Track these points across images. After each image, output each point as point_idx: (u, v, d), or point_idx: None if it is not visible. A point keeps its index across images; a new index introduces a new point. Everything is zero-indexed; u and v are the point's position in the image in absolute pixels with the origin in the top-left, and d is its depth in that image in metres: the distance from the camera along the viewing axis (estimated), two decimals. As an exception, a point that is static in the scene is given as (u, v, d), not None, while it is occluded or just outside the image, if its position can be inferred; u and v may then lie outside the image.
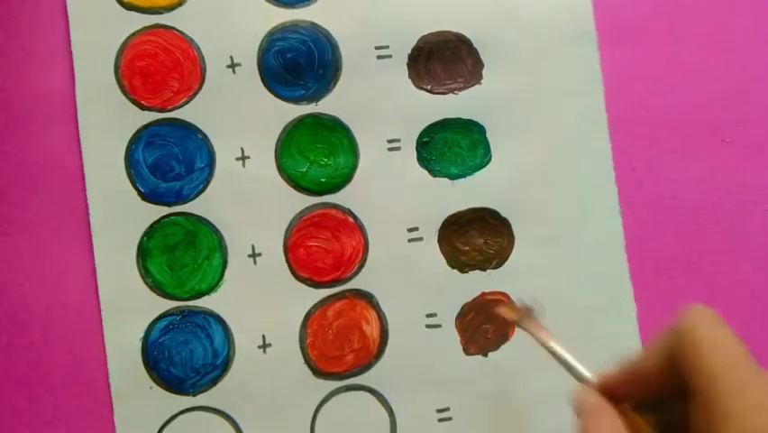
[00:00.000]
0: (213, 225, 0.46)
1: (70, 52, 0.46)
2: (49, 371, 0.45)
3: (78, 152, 0.46)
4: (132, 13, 0.46)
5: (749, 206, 0.50)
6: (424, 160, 0.48)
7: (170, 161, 0.46)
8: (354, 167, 0.47)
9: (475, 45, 0.49)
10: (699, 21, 0.51)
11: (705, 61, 0.51)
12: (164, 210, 0.46)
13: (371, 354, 0.46)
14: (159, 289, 0.45)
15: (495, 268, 0.48)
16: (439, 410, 0.46)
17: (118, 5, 0.46)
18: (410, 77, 0.48)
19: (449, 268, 0.48)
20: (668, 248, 0.49)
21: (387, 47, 0.48)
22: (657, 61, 0.50)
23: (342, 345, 0.46)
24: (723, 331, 0.31)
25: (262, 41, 0.47)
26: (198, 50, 0.47)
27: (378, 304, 0.47)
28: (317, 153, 0.47)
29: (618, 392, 0.34)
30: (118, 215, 0.45)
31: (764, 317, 0.49)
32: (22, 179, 0.46)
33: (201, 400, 0.45)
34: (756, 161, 0.50)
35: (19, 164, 0.46)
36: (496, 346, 0.47)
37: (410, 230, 0.47)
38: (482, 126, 0.48)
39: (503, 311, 0.45)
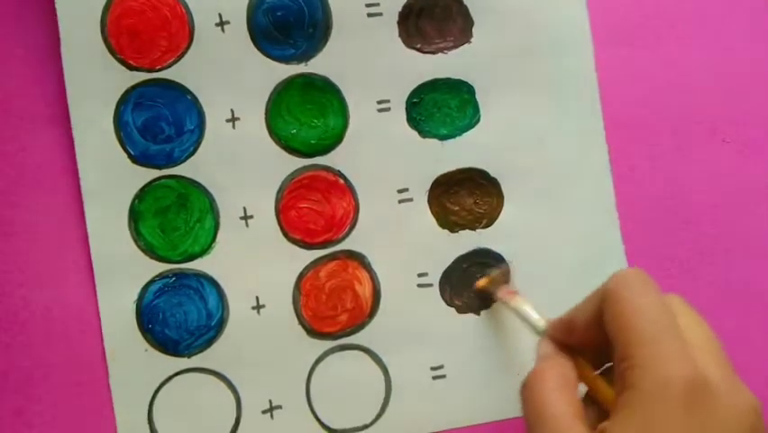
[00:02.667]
0: (204, 188, 0.46)
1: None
2: (49, 371, 0.45)
3: (79, 152, 0.45)
4: (117, -31, 0.45)
5: (749, 206, 0.51)
6: (413, 120, 0.48)
7: (160, 123, 0.45)
8: (344, 128, 0.47)
9: (465, 2, 0.48)
10: (699, 20, 0.51)
11: (705, 61, 0.51)
12: (155, 173, 0.45)
13: (364, 314, 0.47)
14: (151, 252, 0.45)
15: (485, 227, 0.48)
16: (433, 368, 0.47)
17: (101, -39, 0.45)
18: (400, 35, 0.48)
19: (439, 228, 0.48)
20: (667, 248, 0.50)
21: (377, 4, 0.47)
22: (657, 60, 0.50)
23: (336, 306, 0.47)
24: (644, 290, 0.32)
25: (251, -2, 0.46)
26: (186, 7, 0.45)
27: (369, 264, 0.47)
28: (308, 115, 0.47)
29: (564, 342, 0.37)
30: (109, 178, 0.45)
31: (764, 317, 0.50)
32: (22, 179, 0.45)
33: (196, 361, 0.45)
34: (756, 161, 0.51)
35: (19, 164, 0.45)
36: (487, 304, 0.48)
37: (400, 191, 0.48)
38: (471, 86, 0.48)
39: (481, 284, 0.47)
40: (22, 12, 0.45)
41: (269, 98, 0.46)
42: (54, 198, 0.45)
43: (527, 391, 0.34)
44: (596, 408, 0.35)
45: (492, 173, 0.48)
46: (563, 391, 0.33)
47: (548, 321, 0.39)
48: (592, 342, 0.35)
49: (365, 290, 0.47)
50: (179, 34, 0.45)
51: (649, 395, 0.29)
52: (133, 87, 0.45)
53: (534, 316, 0.41)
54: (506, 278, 0.47)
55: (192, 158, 0.46)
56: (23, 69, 0.45)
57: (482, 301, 0.48)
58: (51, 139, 0.45)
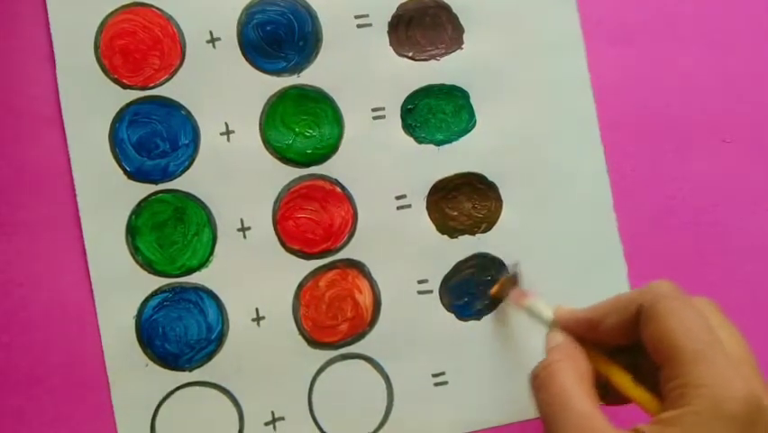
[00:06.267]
0: (201, 201, 0.46)
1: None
2: (49, 371, 0.45)
3: (77, 152, 0.46)
4: (110, -8, 0.46)
5: (749, 206, 0.50)
6: (409, 127, 0.48)
7: (155, 139, 0.46)
8: (340, 137, 0.47)
9: (455, 11, 0.49)
10: (699, 20, 0.51)
11: (705, 61, 0.51)
12: (151, 188, 0.46)
13: (365, 323, 0.47)
14: (149, 266, 0.45)
15: (484, 232, 0.48)
16: (434, 375, 0.47)
17: (95, -15, 0.46)
18: (391, 44, 0.48)
19: (438, 234, 0.48)
20: (668, 248, 0.49)
21: (366, 15, 0.48)
22: (657, 61, 0.50)
23: (336, 315, 0.47)
24: (683, 306, 0.32)
25: (241, 14, 0.47)
26: (177, 26, 0.46)
27: (369, 273, 0.47)
28: (302, 125, 0.47)
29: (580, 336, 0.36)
30: (105, 195, 0.45)
31: (765, 318, 0.49)
32: (22, 179, 0.45)
33: (197, 375, 0.45)
34: (756, 161, 0.50)
35: (19, 164, 0.45)
36: (489, 309, 0.47)
37: (398, 198, 0.48)
38: (466, 91, 0.48)
39: (494, 291, 0.47)
40: (23, 12, 0.46)
41: (263, 110, 0.47)
42: (54, 198, 0.45)
43: (543, 382, 0.33)
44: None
45: (490, 177, 0.48)
46: (582, 383, 0.32)
47: (557, 309, 0.38)
48: (614, 342, 0.34)
49: (365, 298, 0.47)
50: (171, 52, 0.46)
51: (706, 416, 0.28)
52: (128, 105, 0.46)
53: (544, 307, 0.40)
54: (515, 280, 0.46)
55: (188, 172, 0.46)
56: (23, 70, 0.46)
57: (492, 306, 0.48)
58: (51, 139, 0.46)
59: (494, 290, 0.47)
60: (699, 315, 0.31)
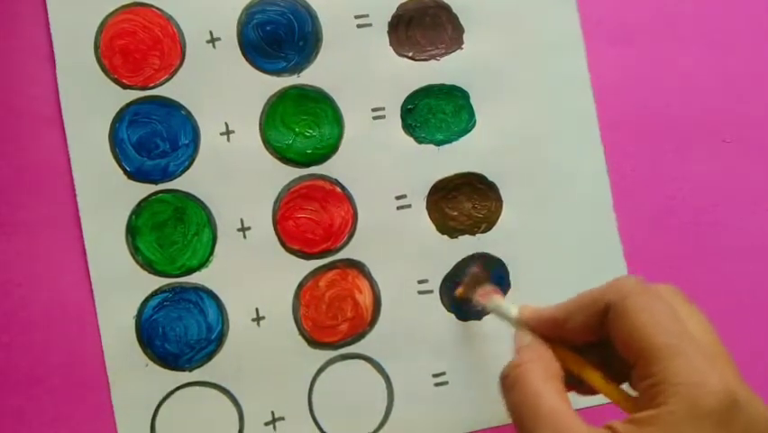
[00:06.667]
0: (201, 201, 0.46)
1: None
2: (49, 371, 0.45)
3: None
4: (110, -8, 0.46)
5: (749, 206, 0.50)
6: (409, 127, 0.48)
7: (155, 139, 0.46)
8: (340, 137, 0.47)
9: (455, 11, 0.49)
10: (699, 20, 0.51)
11: (705, 61, 0.51)
12: (151, 188, 0.46)
13: (365, 323, 0.47)
14: (149, 266, 0.45)
15: (484, 232, 0.48)
16: (435, 375, 0.47)
17: (95, -15, 0.46)
18: (391, 44, 0.48)
19: (438, 234, 0.48)
20: (668, 248, 0.49)
21: (366, 15, 0.48)
22: (657, 61, 0.50)
23: (336, 315, 0.47)
24: (651, 300, 0.31)
25: (241, 14, 0.47)
26: (177, 26, 0.46)
27: (369, 273, 0.47)
28: (302, 125, 0.47)
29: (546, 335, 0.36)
30: (105, 195, 0.45)
31: (765, 318, 0.49)
32: (21, 179, 0.45)
33: (197, 375, 0.45)
34: (756, 161, 0.50)
35: (19, 164, 0.45)
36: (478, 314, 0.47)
37: (398, 198, 0.48)
38: (466, 91, 0.48)
39: (459, 293, 0.46)
40: (23, 12, 0.46)
41: (263, 110, 0.47)
42: (54, 198, 0.45)
43: (514, 383, 0.33)
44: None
45: (490, 177, 0.48)
46: (552, 382, 0.32)
47: (522, 308, 0.38)
48: (581, 341, 0.34)
49: (365, 298, 0.47)
50: (171, 52, 0.46)
51: (682, 415, 0.28)
52: (128, 105, 0.46)
53: (508, 306, 0.39)
54: (479, 280, 0.46)
55: (188, 172, 0.46)
56: (23, 70, 0.46)
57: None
58: (51, 139, 0.46)
59: (459, 291, 0.46)
60: (669, 308, 0.31)
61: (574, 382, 0.35)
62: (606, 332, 0.32)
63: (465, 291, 0.46)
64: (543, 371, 0.33)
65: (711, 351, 0.30)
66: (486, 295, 0.43)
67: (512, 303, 0.39)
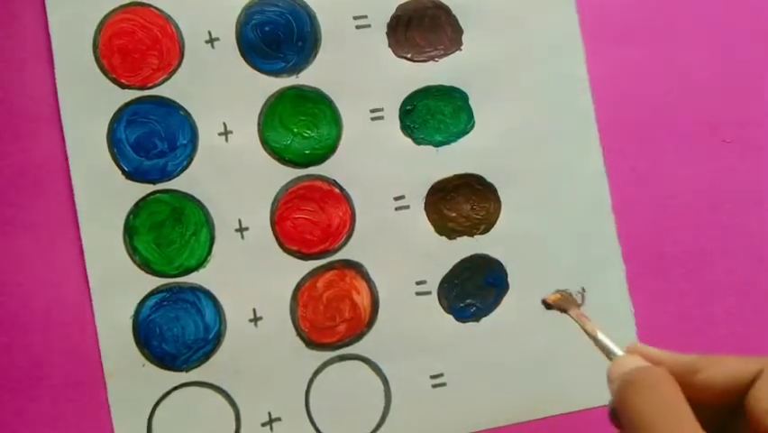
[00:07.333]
0: (198, 201, 0.46)
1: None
2: (49, 371, 0.45)
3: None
4: (109, -9, 0.46)
5: (749, 206, 0.50)
6: (407, 128, 0.48)
7: (153, 139, 0.46)
8: (338, 138, 0.47)
9: (454, 12, 0.49)
10: (699, 20, 0.51)
11: (705, 61, 0.51)
12: (149, 188, 0.46)
13: (363, 324, 0.47)
14: (147, 266, 0.45)
15: (482, 233, 0.48)
16: (432, 376, 0.46)
17: (94, -15, 0.46)
18: (390, 45, 0.48)
19: (437, 235, 0.48)
20: (667, 248, 0.49)
21: (365, 16, 0.48)
22: (657, 61, 0.50)
23: (334, 316, 0.46)
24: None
25: (240, 14, 0.47)
26: (176, 26, 0.46)
27: (367, 273, 0.47)
28: (300, 125, 0.47)
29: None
30: (103, 194, 0.45)
31: (764, 318, 0.49)
32: (22, 179, 0.45)
33: (194, 375, 0.45)
34: (756, 161, 0.50)
35: (19, 164, 0.46)
36: (487, 311, 0.47)
37: (396, 198, 0.47)
38: (464, 93, 0.48)
39: (550, 298, 0.45)
40: (22, 12, 0.46)
41: (262, 111, 0.47)
42: (54, 197, 0.45)
43: (651, 385, 0.29)
44: None
45: (489, 178, 0.48)
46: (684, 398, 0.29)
47: (633, 345, 0.33)
48: (704, 399, 0.30)
49: (363, 299, 0.47)
50: (170, 52, 0.46)
51: None
52: (126, 105, 0.46)
53: (614, 347, 0.36)
54: (578, 302, 0.45)
55: (186, 172, 0.46)
56: (24, 70, 0.46)
57: (490, 308, 0.47)
58: (51, 139, 0.46)
59: (552, 297, 0.43)
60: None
61: None
62: (738, 400, 0.29)
63: (556, 301, 0.42)
64: (675, 385, 0.29)
65: None
66: (585, 319, 0.40)
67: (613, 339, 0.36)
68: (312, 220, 0.47)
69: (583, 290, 0.47)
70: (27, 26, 0.46)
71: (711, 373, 0.30)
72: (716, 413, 0.30)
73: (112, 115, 0.46)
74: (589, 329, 0.39)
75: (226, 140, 0.46)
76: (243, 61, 0.47)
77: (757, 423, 0.28)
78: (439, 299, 0.47)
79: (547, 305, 0.45)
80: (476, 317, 0.47)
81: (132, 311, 0.45)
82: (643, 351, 0.32)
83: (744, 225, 0.50)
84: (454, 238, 0.48)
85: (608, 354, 0.35)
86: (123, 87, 0.46)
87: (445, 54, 0.48)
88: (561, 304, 0.44)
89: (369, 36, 0.48)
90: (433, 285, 0.47)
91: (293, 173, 0.47)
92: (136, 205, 0.46)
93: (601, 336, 0.37)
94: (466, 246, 0.48)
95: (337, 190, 0.47)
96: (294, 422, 0.45)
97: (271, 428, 0.45)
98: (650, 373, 0.30)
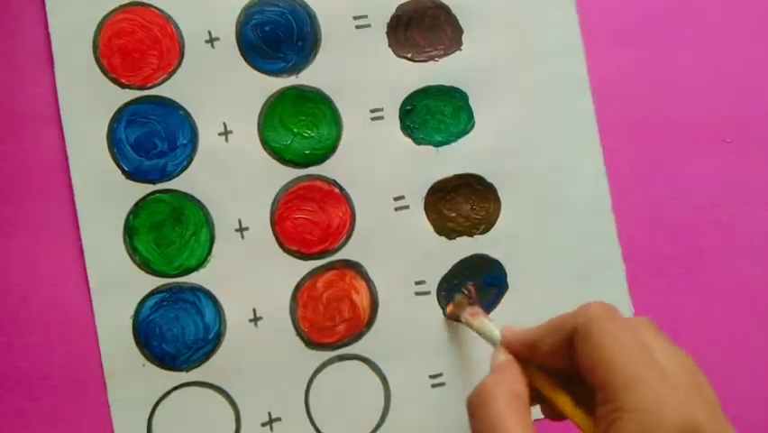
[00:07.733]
0: (198, 201, 0.46)
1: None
2: (49, 371, 0.45)
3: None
4: (109, -9, 0.46)
5: (749, 206, 0.50)
6: (407, 128, 0.48)
7: (153, 139, 0.46)
8: (338, 138, 0.47)
9: (454, 12, 0.49)
10: (699, 20, 0.51)
11: (705, 61, 0.51)
12: (149, 188, 0.46)
13: (362, 324, 0.47)
14: (147, 266, 0.45)
15: (482, 233, 0.48)
16: (432, 376, 0.47)
17: (94, -15, 0.46)
18: (390, 45, 0.48)
19: (436, 235, 0.48)
20: (667, 248, 0.49)
21: (365, 16, 0.48)
22: (657, 61, 0.50)
23: (334, 316, 0.46)
24: (617, 327, 0.31)
25: (240, 14, 0.47)
26: (176, 26, 0.46)
27: (367, 273, 0.47)
28: (300, 125, 0.47)
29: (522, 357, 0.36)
30: (103, 194, 0.45)
31: (764, 318, 0.49)
32: (22, 179, 0.45)
33: (194, 375, 0.45)
34: (756, 161, 0.50)
35: (19, 164, 0.45)
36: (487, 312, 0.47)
37: (396, 199, 0.47)
38: (464, 93, 0.48)
39: (449, 311, 0.47)
40: (22, 12, 0.46)
41: (262, 111, 0.47)
42: (54, 198, 0.45)
43: (476, 406, 0.33)
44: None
45: (488, 178, 0.48)
46: (514, 406, 0.32)
47: (504, 329, 0.38)
48: (554, 364, 0.34)
49: (363, 299, 0.47)
50: (170, 52, 0.46)
51: None
52: (126, 105, 0.46)
53: (491, 327, 0.40)
54: (469, 300, 0.46)
55: (186, 172, 0.46)
56: (24, 70, 0.46)
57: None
58: (51, 139, 0.46)
59: (449, 309, 0.47)
60: (633, 337, 0.30)
61: (547, 409, 0.35)
62: (572, 356, 0.32)
63: (454, 311, 0.46)
64: (507, 393, 0.33)
65: (678, 382, 0.30)
66: (474, 315, 0.43)
67: (496, 324, 0.40)
68: (312, 220, 0.47)
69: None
70: (27, 26, 0.46)
71: (545, 344, 0.34)
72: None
73: (112, 114, 0.46)
74: (475, 327, 0.41)
75: (226, 140, 0.46)
76: (243, 61, 0.47)
77: (590, 382, 0.30)
78: (438, 299, 0.47)
79: (452, 318, 0.45)
80: (476, 317, 0.47)
81: (132, 311, 0.45)
82: (509, 335, 0.37)
83: (744, 225, 0.50)
84: (454, 238, 0.48)
85: (491, 341, 0.40)
86: (123, 86, 0.46)
87: (445, 54, 0.48)
88: (454, 314, 0.45)
89: (369, 36, 0.48)
90: (432, 285, 0.47)
91: (293, 173, 0.47)
92: (136, 205, 0.46)
93: (481, 328, 0.41)
94: (466, 246, 0.48)
95: (337, 190, 0.47)
96: (294, 422, 0.45)
97: (271, 428, 0.45)
98: (477, 395, 0.33)
